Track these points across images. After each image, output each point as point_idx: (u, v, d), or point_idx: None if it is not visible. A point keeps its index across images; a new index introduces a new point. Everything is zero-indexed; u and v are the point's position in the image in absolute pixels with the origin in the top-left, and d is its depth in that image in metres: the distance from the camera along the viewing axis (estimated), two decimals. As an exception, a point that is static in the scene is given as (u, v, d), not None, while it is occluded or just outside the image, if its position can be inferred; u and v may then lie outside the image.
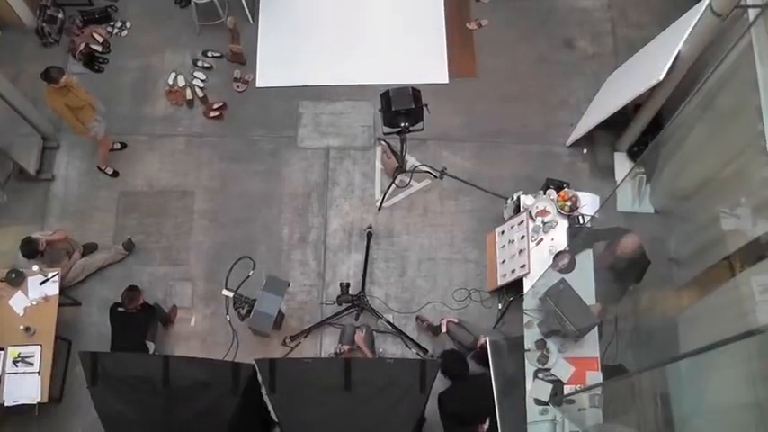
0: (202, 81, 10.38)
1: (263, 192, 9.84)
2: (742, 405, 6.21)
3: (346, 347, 8.50)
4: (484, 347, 7.74)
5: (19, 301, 8.51)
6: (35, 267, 8.58)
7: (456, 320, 8.60)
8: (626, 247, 7.52)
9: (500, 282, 8.72)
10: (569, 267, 7.90)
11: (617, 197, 9.37)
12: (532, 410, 7.64)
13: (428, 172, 9.57)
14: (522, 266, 8.27)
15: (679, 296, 8.73)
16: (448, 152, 9.95)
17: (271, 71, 10.47)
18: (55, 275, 8.61)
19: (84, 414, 8.66)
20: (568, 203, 8.34)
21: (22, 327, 8.28)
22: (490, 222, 9.39)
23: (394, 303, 9.28)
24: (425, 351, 8.94)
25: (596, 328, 7.65)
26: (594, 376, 7.69)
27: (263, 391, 6.66)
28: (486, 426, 7.63)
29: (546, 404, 7.60)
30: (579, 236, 8.24)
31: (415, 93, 8.26)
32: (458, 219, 9.67)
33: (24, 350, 8.29)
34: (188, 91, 10.29)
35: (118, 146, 10.02)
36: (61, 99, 8.71)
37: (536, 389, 7.68)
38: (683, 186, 8.66)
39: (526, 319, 8.00)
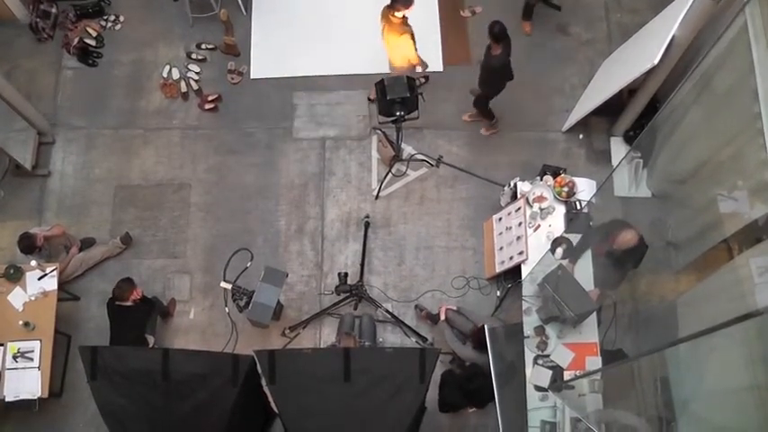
0: (197, 73, 10.35)
1: (260, 183, 9.83)
2: (741, 388, 6.21)
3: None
4: (482, 331, 7.76)
5: (18, 297, 8.52)
6: (33, 263, 8.56)
7: (455, 308, 8.61)
8: (622, 243, 7.48)
9: (498, 269, 8.73)
10: (567, 253, 7.91)
11: (614, 182, 9.38)
12: (532, 397, 7.66)
13: (424, 160, 9.56)
14: (520, 253, 8.28)
15: (677, 280, 8.74)
16: (444, 140, 9.94)
17: (265, 62, 10.44)
18: (53, 270, 8.61)
19: (85, 408, 8.72)
20: (565, 189, 8.35)
21: (21, 322, 8.29)
22: (487, 209, 9.40)
23: (392, 292, 9.29)
24: (425, 339, 8.96)
25: (595, 313, 7.67)
26: (594, 362, 7.70)
27: (263, 382, 6.67)
28: (471, 410, 7.68)
29: (546, 390, 7.62)
30: (576, 223, 8.24)
31: (409, 81, 8.27)
32: (455, 206, 9.66)
33: (24, 345, 8.31)
34: (182, 83, 10.26)
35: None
36: (408, 29, 8.72)
37: (536, 375, 7.70)
38: (679, 170, 8.66)
39: (525, 305, 8.02)
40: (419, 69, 9.43)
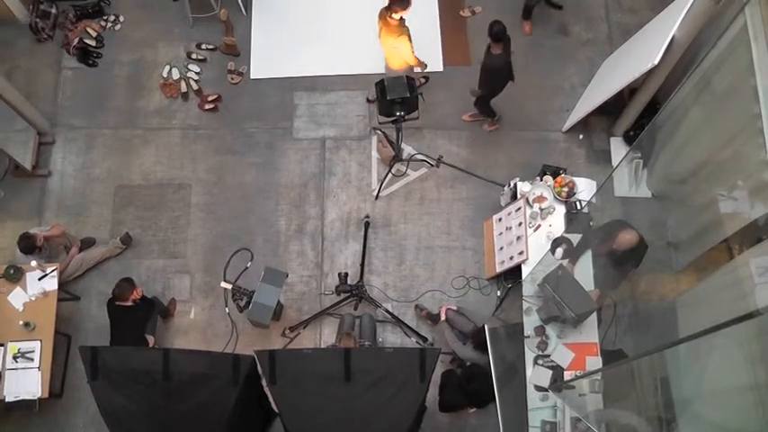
0: (197, 73, 10.34)
1: (260, 183, 9.83)
2: (742, 387, 6.21)
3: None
4: (482, 331, 7.77)
5: (18, 297, 8.51)
6: (33, 263, 8.54)
7: (455, 308, 8.61)
8: (623, 243, 7.49)
9: (498, 269, 8.73)
10: (567, 254, 7.91)
11: (614, 182, 9.38)
12: (533, 397, 7.67)
13: (424, 160, 9.56)
14: (520, 253, 8.28)
15: (677, 280, 8.73)
16: (444, 140, 9.94)
17: (265, 62, 10.43)
18: (53, 271, 8.60)
19: (85, 409, 8.72)
20: (565, 189, 8.35)
21: (21, 322, 8.29)
22: (487, 210, 9.39)
23: (393, 292, 9.29)
24: (425, 339, 8.96)
25: (595, 313, 7.66)
26: (594, 362, 7.71)
27: (264, 382, 6.67)
28: (472, 410, 7.70)
29: (546, 390, 7.63)
30: (576, 224, 8.24)
31: (409, 81, 8.26)
32: (455, 207, 9.66)
33: (24, 346, 8.30)
34: (182, 83, 10.25)
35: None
36: (405, 30, 8.73)
37: (536, 375, 7.70)
38: (679, 170, 8.65)
39: (525, 305, 8.02)
40: (417, 70, 9.41)
